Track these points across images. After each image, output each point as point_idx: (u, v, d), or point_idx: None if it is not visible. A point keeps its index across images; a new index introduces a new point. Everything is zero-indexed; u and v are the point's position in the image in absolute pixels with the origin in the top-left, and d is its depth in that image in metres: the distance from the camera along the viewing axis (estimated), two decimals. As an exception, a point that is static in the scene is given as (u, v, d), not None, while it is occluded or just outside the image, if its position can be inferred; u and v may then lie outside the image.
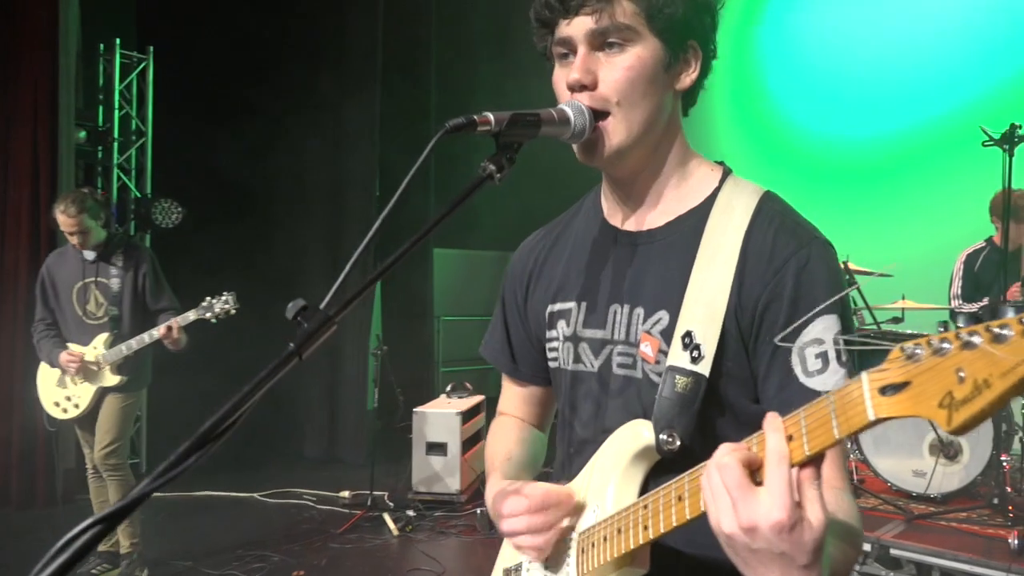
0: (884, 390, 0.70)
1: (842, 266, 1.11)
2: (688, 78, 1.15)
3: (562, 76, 1.12)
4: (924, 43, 6.78)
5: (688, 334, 1.05)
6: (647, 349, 1.11)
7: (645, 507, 1.01)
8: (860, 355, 0.97)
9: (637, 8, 1.07)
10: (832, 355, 1.01)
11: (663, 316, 1.10)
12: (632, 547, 1.00)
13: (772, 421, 0.82)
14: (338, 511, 5.41)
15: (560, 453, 1.30)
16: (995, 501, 3.77)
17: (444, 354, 9.42)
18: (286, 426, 7.03)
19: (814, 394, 0.96)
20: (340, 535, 4.91)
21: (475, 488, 5.61)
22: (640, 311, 1.14)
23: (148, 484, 0.72)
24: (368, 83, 6.89)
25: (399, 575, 4.34)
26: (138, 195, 6.30)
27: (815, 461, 0.80)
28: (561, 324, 1.25)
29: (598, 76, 1.09)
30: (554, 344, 1.27)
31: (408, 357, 7.90)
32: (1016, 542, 3.31)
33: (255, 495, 5.76)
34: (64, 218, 3.88)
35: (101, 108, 6.21)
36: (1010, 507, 3.72)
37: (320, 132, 6.91)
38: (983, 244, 4.86)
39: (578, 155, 1.15)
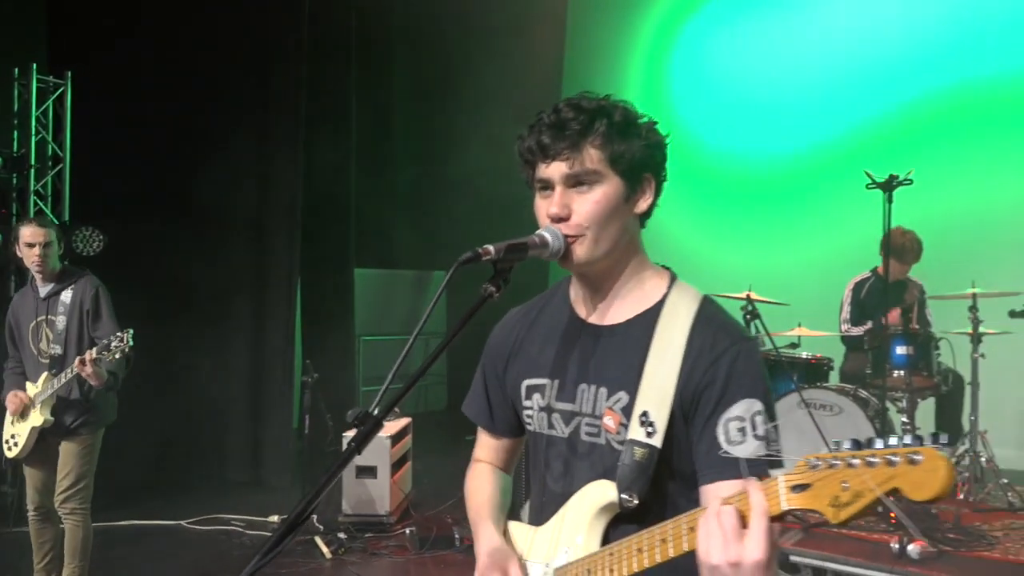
0: (794, 488, 0.99)
1: (767, 349, 1.41)
2: (645, 203, 1.43)
3: (543, 205, 1.39)
4: (823, 70, 7.37)
5: (644, 413, 1.34)
6: (610, 422, 1.39)
7: (611, 554, 1.29)
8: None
9: (602, 155, 1.35)
10: (749, 430, 1.30)
11: (623, 396, 1.38)
12: None
13: (755, 483, 1.09)
14: (268, 535, 5.49)
15: (534, 500, 1.56)
16: (879, 509, 4.21)
17: (365, 373, 9.54)
18: (211, 451, 7.05)
19: (732, 459, 1.25)
20: (272, 560, 5.01)
21: (404, 508, 5.80)
22: (604, 390, 1.41)
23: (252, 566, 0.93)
24: (291, 102, 7.03)
25: (336, 597, 4.50)
26: (55, 222, 6.22)
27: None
28: (536, 396, 1.52)
29: (572, 209, 1.37)
30: (530, 412, 1.53)
31: (331, 378, 7.99)
32: (897, 546, 3.74)
33: (182, 523, 5.78)
34: (30, 231, 3.84)
35: (16, 134, 6.12)
36: (891, 515, 4.16)
37: (243, 155, 6.99)
38: (869, 274, 5.39)
39: (558, 263, 1.42)
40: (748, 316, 4.62)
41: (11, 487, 5.92)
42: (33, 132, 6.18)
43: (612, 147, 1.36)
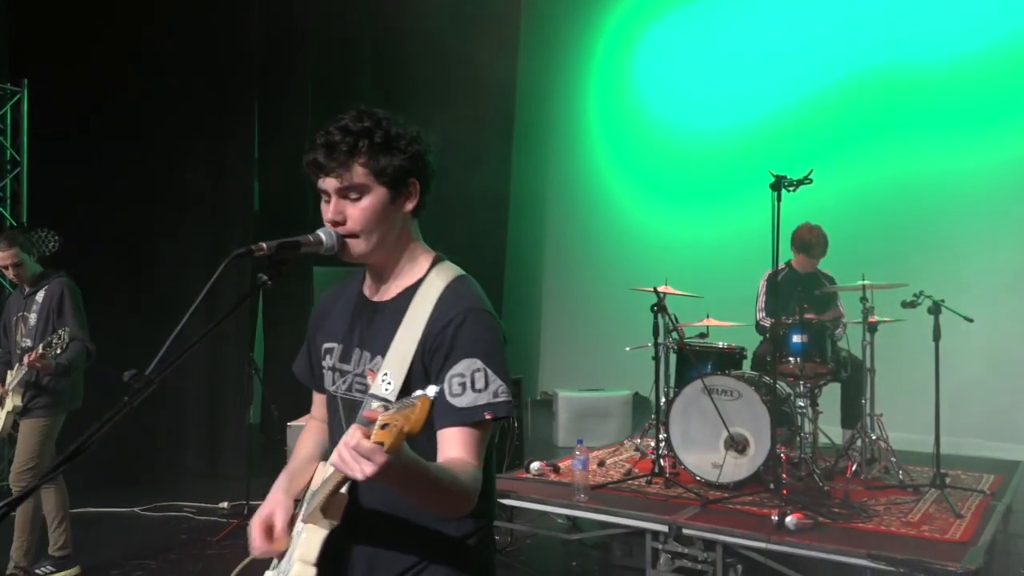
0: (382, 426, 1.26)
1: (498, 328, 1.67)
2: (410, 203, 1.72)
3: (325, 210, 1.68)
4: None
5: (386, 373, 1.63)
6: (368, 380, 1.68)
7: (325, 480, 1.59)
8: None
9: (367, 170, 1.64)
10: (468, 384, 1.58)
11: (379, 359, 1.68)
12: (322, 505, 1.56)
13: (355, 426, 1.33)
14: (218, 521, 5.78)
15: (329, 447, 1.85)
16: (771, 486, 4.54)
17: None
18: (170, 441, 7.32)
19: (454, 408, 1.55)
20: (217, 542, 5.31)
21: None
22: (368, 354, 1.71)
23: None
24: (246, 105, 7.30)
25: None
26: (14, 223, 6.50)
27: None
28: (328, 357, 1.82)
29: (346, 215, 1.65)
30: (325, 370, 1.82)
31: (290, 372, 8.26)
32: (776, 518, 4.05)
33: (135, 509, 6.06)
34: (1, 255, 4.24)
35: (-25, 140, 6.39)
36: (784, 491, 4.48)
37: (197, 153, 7.27)
38: (784, 267, 5.70)
39: (340, 256, 1.71)
40: (655, 309, 4.92)
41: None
42: (-9, 138, 6.43)
43: (376, 163, 1.64)
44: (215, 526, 5.63)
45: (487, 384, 1.58)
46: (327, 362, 1.81)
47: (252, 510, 5.67)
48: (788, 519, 4.02)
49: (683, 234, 8.02)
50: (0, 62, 6.78)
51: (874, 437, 5.09)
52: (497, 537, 4.91)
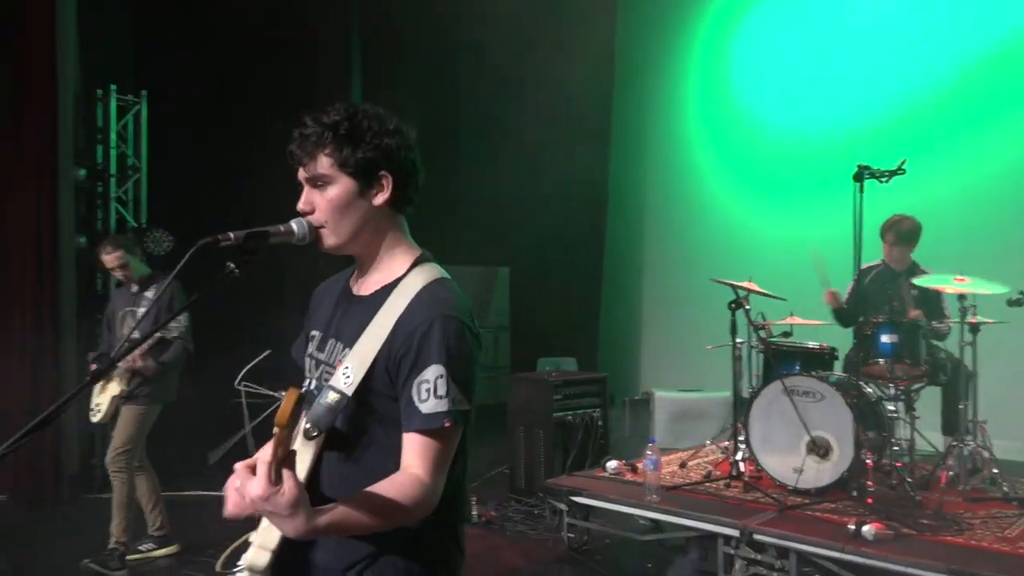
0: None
1: (468, 332, 1.67)
2: (382, 197, 1.72)
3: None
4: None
5: (347, 367, 1.65)
6: (337, 371, 1.71)
7: None
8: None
9: (332, 161, 1.67)
10: (432, 391, 1.58)
11: (347, 352, 1.70)
12: None
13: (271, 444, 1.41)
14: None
15: None
16: (854, 494, 4.29)
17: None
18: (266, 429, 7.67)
19: (420, 414, 1.56)
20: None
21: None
22: (340, 345, 1.73)
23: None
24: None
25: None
26: (134, 225, 7.00)
27: (289, 459, 1.43)
28: (311, 344, 1.86)
29: (315, 204, 1.69)
30: (306, 357, 1.86)
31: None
32: (853, 527, 3.83)
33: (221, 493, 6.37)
34: (106, 257, 4.65)
35: (100, 147, 6.91)
36: (869, 499, 4.22)
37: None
38: (879, 263, 5.39)
39: (317, 247, 1.74)
40: (733, 306, 4.75)
41: (100, 460, 6.70)
42: (114, 146, 6.95)
43: (340, 154, 1.66)
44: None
45: (448, 391, 1.58)
46: (309, 349, 1.86)
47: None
48: (865, 528, 3.79)
49: (788, 232, 7.70)
50: (124, 75, 7.32)
51: (975, 445, 4.72)
52: (571, 535, 4.93)
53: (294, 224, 1.68)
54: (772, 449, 4.72)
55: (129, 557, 4.74)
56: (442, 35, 9.20)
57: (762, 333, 5.32)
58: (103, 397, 4.68)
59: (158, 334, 4.43)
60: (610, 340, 9.78)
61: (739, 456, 4.88)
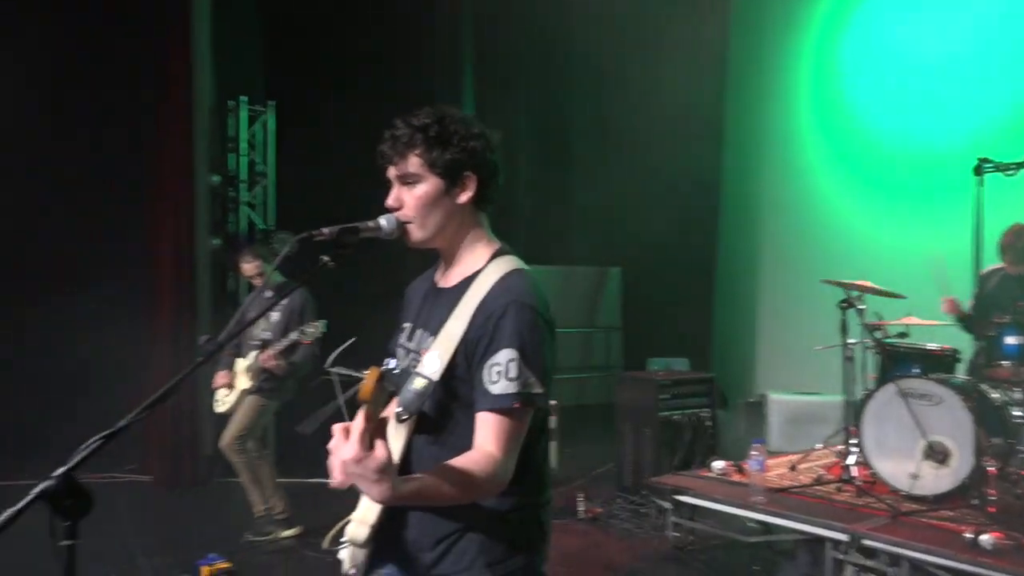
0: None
1: (540, 322, 1.73)
2: (466, 195, 1.83)
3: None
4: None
5: (432, 355, 1.75)
6: (424, 358, 1.82)
7: None
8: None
9: (421, 161, 1.78)
10: (503, 374, 1.66)
11: (431, 340, 1.80)
12: None
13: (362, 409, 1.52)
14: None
15: None
16: (974, 502, 4.09)
17: (541, 364, 10.10)
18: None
19: (491, 395, 1.65)
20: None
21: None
22: (427, 334, 1.85)
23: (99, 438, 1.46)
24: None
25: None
26: (263, 227, 7.44)
27: (382, 428, 1.55)
28: (401, 335, 1.98)
29: (403, 201, 1.81)
30: (398, 347, 1.98)
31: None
32: (971, 536, 3.66)
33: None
34: (245, 266, 5.09)
35: (232, 155, 7.40)
36: (991, 508, 4.03)
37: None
38: (1000, 266, 5.09)
39: (405, 241, 1.86)
40: (844, 305, 4.62)
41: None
42: (244, 153, 7.42)
43: (429, 154, 1.78)
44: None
45: (519, 374, 1.66)
46: (400, 339, 1.98)
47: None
48: (984, 538, 3.62)
49: (905, 232, 7.35)
50: (254, 87, 7.80)
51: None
52: (676, 534, 4.91)
53: (382, 220, 1.81)
54: (886, 453, 4.56)
55: (254, 539, 5.08)
56: (553, 36, 9.28)
57: (878, 334, 5.14)
58: (232, 390, 5.09)
59: (294, 336, 4.78)
60: (724, 341, 9.60)
61: (851, 460, 4.73)
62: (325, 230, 1.74)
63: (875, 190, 8.07)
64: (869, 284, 5.00)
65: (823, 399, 7.31)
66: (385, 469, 1.51)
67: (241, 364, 5.10)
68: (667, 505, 4.92)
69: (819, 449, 5.62)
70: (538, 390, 1.68)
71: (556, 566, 4.85)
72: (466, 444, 1.71)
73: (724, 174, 9.49)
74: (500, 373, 1.67)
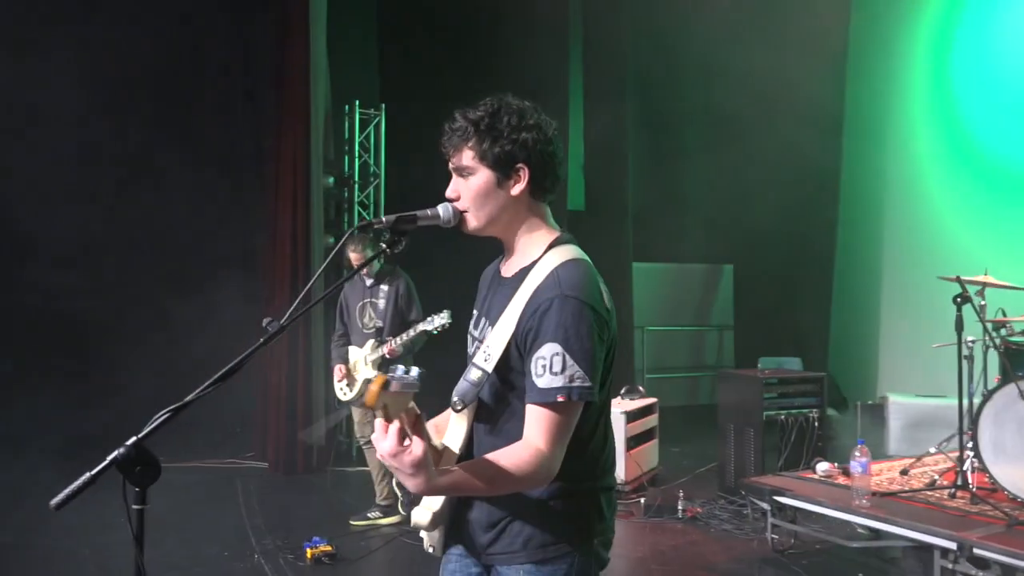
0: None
1: (590, 312, 1.72)
2: (518, 187, 1.85)
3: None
4: None
5: (488, 345, 1.80)
6: (480, 348, 1.86)
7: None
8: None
9: (474, 154, 1.82)
10: (548, 367, 1.69)
11: (490, 330, 1.85)
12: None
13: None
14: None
15: None
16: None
17: (650, 362, 10.03)
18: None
19: (536, 388, 1.68)
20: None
21: (641, 481, 6.24)
22: (488, 323, 1.89)
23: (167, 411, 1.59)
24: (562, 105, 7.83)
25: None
26: (370, 234, 7.71)
27: (417, 424, 1.62)
28: (471, 322, 2.03)
29: (460, 193, 1.86)
30: (468, 334, 2.03)
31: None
32: (1094, 549, 3.40)
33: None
34: (353, 255, 5.35)
35: (346, 157, 7.71)
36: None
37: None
38: None
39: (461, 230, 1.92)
40: (959, 300, 4.36)
41: (346, 436, 7.49)
42: (357, 155, 7.71)
43: (480, 147, 1.81)
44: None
45: (564, 368, 1.68)
46: (469, 326, 2.04)
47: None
48: (1108, 551, 3.35)
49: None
50: (368, 90, 8.10)
51: None
52: (775, 537, 4.77)
53: (440, 209, 1.87)
54: (1005, 459, 4.28)
55: (355, 523, 5.30)
56: (664, 28, 9.18)
57: (1003, 331, 4.83)
58: (354, 382, 5.33)
59: (422, 327, 4.95)
60: (843, 341, 9.22)
61: (967, 465, 4.46)
62: (384, 218, 1.81)
63: (1004, 180, 7.58)
64: (990, 279, 4.71)
65: (946, 402, 6.90)
66: (419, 464, 1.56)
67: (357, 352, 5.33)
68: (764, 506, 4.79)
69: (933, 453, 5.32)
70: (585, 384, 1.69)
71: (651, 564, 4.86)
72: (521, 432, 1.73)
73: (843, 167, 9.12)
74: (545, 367, 1.69)
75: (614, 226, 8.83)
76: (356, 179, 7.72)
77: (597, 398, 1.75)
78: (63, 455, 5.56)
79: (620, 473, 6.11)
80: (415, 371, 1.57)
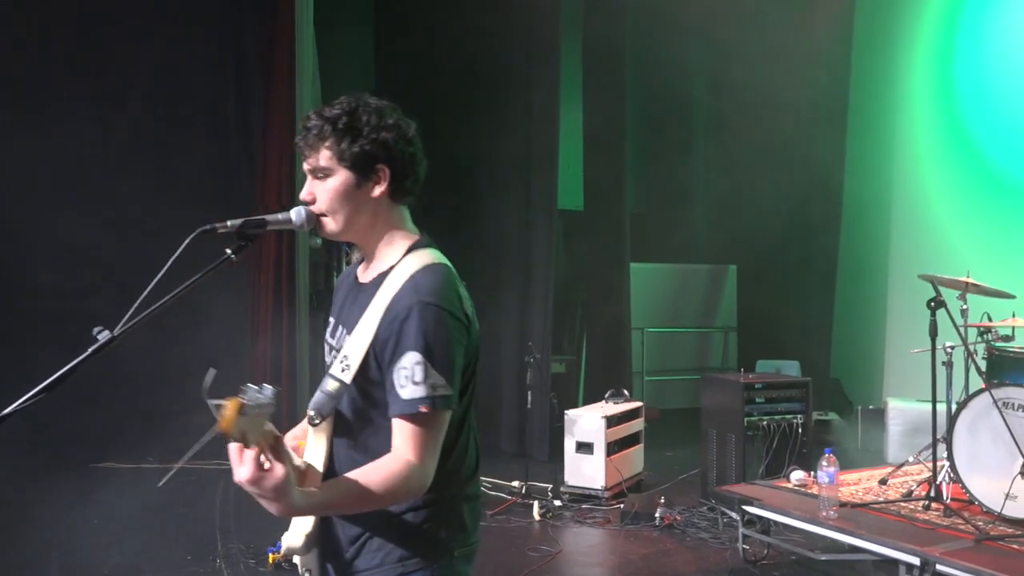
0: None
1: (445, 321, 1.66)
2: (379, 188, 1.77)
3: None
4: None
5: (346, 356, 1.72)
6: (337, 359, 1.78)
7: None
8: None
9: (331, 154, 1.74)
10: (409, 377, 1.62)
11: (347, 339, 1.77)
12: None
13: None
14: (502, 496, 6.20)
15: None
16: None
17: (652, 364, 9.87)
18: (488, 424, 8.10)
19: (400, 400, 1.61)
20: (491, 516, 5.72)
21: (622, 488, 6.12)
22: (345, 332, 1.81)
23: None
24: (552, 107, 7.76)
25: (522, 551, 5.03)
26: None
27: (275, 446, 1.49)
28: (327, 330, 1.95)
29: (315, 195, 1.78)
30: (325, 342, 1.95)
31: (604, 367, 8.55)
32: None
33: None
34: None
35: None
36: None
37: (510, 166, 7.87)
38: None
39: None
40: (932, 304, 4.20)
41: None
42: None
43: (338, 147, 1.72)
44: (498, 501, 6.05)
45: (426, 377, 1.62)
46: (326, 334, 1.96)
47: (529, 490, 6.07)
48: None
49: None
50: (362, 86, 8.05)
51: None
52: (746, 547, 4.63)
53: (292, 213, 1.78)
54: (979, 470, 4.11)
55: None
56: (664, 26, 9.02)
57: (989, 336, 4.65)
58: None
59: None
60: (847, 344, 9.00)
61: (941, 476, 4.29)
62: (228, 222, 1.74)
63: (1011, 183, 7.34)
64: (971, 280, 4.54)
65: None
66: (281, 488, 1.48)
67: None
68: (733, 515, 4.66)
69: (912, 463, 5.15)
70: (447, 392, 1.64)
71: (616, 572, 4.74)
72: (384, 447, 1.67)
73: (848, 168, 8.90)
74: (407, 377, 1.63)
75: (612, 226, 8.70)
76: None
77: (455, 403, 1.68)
78: None
79: (600, 479, 6.00)
80: (268, 389, 1.48)
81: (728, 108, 9.12)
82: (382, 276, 1.78)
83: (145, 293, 1.67)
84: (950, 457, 4.23)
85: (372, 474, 1.61)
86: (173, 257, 1.74)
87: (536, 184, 7.74)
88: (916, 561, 3.64)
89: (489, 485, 6.53)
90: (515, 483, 6.45)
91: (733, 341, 10.38)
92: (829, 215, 9.02)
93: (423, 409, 1.61)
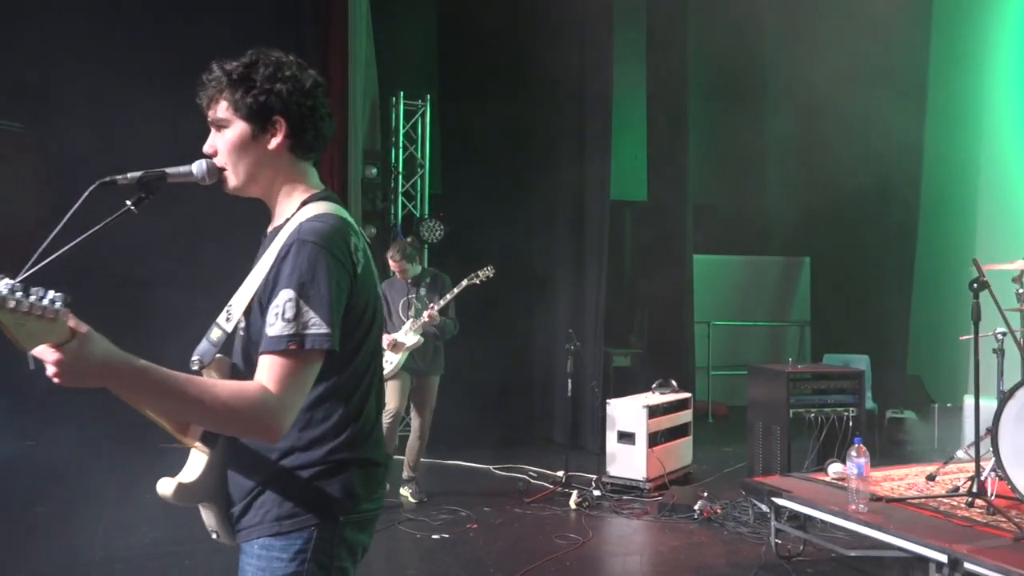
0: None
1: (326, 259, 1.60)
2: (275, 140, 1.76)
3: None
4: None
5: (230, 306, 1.71)
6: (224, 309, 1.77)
7: None
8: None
9: (228, 104, 1.74)
10: (280, 314, 1.58)
11: (237, 291, 1.76)
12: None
13: None
14: (545, 485, 6.13)
15: None
16: None
17: (720, 359, 9.56)
18: (541, 415, 8.05)
19: (268, 337, 1.58)
20: (530, 503, 5.66)
21: (664, 480, 5.94)
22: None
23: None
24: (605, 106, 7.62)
25: (550, 538, 4.95)
26: (416, 215, 7.75)
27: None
28: None
29: (216, 148, 1.78)
30: None
31: (665, 360, 8.35)
32: (1093, 568, 2.95)
33: (491, 467, 6.76)
34: (392, 262, 5.65)
35: (392, 149, 7.78)
36: None
37: (564, 156, 7.77)
38: None
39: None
40: (975, 286, 3.89)
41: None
42: (401, 147, 7.76)
43: (234, 98, 1.72)
44: (540, 489, 5.99)
45: (297, 314, 1.58)
46: None
47: (570, 479, 5.97)
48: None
49: None
50: (421, 82, 8.14)
51: None
52: (778, 541, 4.42)
53: (193, 166, 1.78)
54: (1025, 464, 3.79)
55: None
56: (732, 11, 8.74)
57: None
58: (391, 355, 5.48)
59: (466, 282, 5.54)
60: (927, 337, 8.49)
61: (986, 472, 3.98)
62: (129, 175, 1.75)
63: None
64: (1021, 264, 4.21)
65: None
66: (63, 360, 1.38)
67: (404, 329, 5.55)
68: (764, 508, 4.45)
69: (964, 459, 4.79)
70: (321, 330, 1.58)
71: (646, 564, 4.61)
72: None
73: (926, 155, 8.40)
74: (277, 315, 1.59)
75: (673, 216, 8.50)
76: (401, 169, 7.76)
77: (337, 346, 1.61)
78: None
79: (642, 470, 5.84)
80: (52, 294, 1.35)
81: (802, 92, 8.73)
82: (277, 229, 1.77)
83: (45, 244, 1.70)
84: (995, 450, 3.92)
85: (224, 384, 1.57)
86: (74, 208, 1.75)
87: (591, 172, 7.62)
88: (944, 558, 3.38)
89: (534, 474, 6.49)
90: (559, 473, 6.37)
91: (808, 336, 9.96)
92: (907, 205, 8.54)
93: (291, 346, 1.56)
